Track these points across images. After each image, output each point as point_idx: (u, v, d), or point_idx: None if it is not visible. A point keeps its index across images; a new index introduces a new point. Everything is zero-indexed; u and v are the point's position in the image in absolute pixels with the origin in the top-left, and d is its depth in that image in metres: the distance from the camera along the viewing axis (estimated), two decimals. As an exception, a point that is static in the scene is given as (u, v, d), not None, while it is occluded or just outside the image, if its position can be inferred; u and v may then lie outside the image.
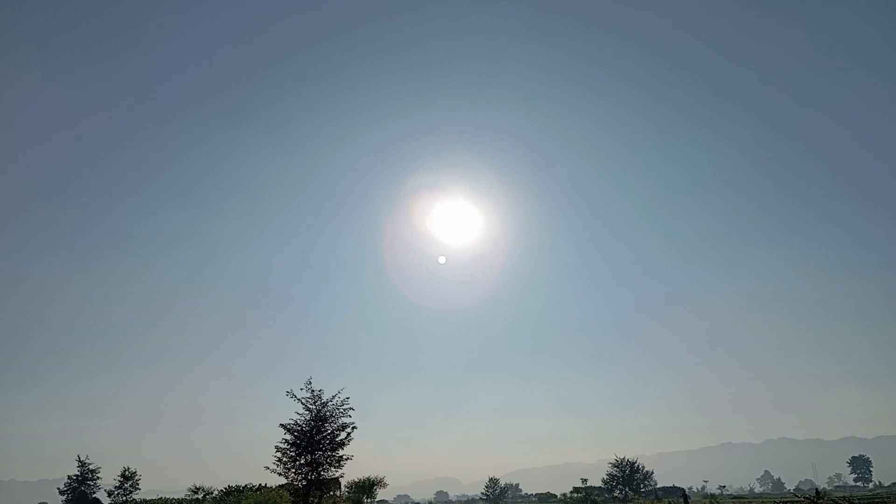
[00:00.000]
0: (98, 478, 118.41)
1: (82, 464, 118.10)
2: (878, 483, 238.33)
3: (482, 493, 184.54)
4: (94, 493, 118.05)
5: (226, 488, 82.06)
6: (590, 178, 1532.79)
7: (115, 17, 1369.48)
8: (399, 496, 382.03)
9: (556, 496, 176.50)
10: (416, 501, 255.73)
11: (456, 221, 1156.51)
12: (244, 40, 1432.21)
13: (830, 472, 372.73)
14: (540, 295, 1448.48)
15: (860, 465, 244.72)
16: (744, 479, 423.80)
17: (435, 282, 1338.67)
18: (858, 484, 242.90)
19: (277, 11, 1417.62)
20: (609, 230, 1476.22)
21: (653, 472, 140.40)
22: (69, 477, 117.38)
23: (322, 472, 55.52)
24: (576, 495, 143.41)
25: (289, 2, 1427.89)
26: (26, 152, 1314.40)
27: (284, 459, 54.98)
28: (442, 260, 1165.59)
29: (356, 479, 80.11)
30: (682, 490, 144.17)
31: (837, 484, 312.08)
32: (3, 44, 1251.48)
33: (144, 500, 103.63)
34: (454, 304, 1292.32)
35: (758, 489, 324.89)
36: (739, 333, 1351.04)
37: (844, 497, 49.77)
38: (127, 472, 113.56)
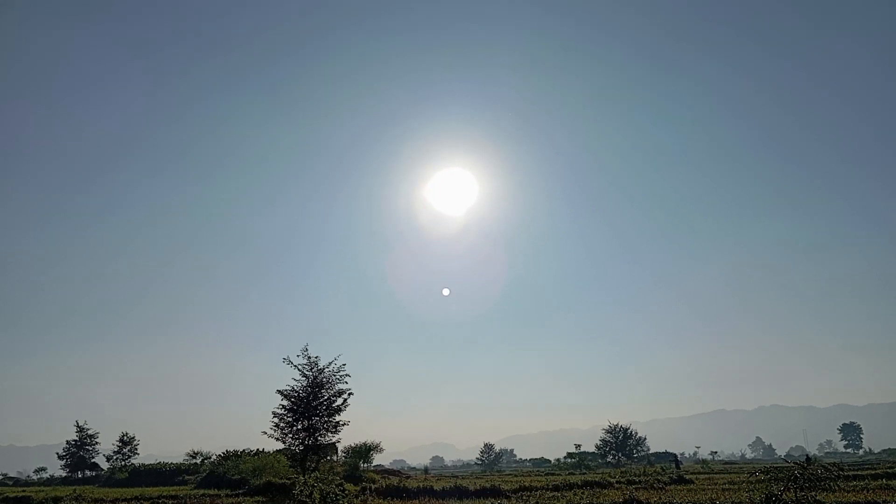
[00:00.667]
0: (97, 443, 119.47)
1: (81, 429, 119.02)
2: (868, 450, 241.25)
3: (477, 459, 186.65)
4: (93, 457, 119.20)
5: (223, 453, 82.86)
6: (587, 146, 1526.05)
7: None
8: (395, 461, 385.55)
9: (550, 461, 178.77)
10: (412, 466, 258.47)
11: (451, 189, 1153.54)
12: (240, 7, 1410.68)
13: (821, 438, 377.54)
14: (536, 263, 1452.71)
15: (851, 432, 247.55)
16: (736, 446, 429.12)
17: (431, 249, 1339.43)
18: (849, 451, 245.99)
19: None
20: (605, 200, 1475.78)
21: (645, 438, 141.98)
22: (68, 442, 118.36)
23: (319, 438, 55.96)
24: (569, 460, 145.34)
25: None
26: (14, 119, 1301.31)
27: (282, 425, 55.37)
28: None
29: (353, 445, 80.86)
30: (674, 455, 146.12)
31: (828, 450, 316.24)
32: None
33: (143, 464, 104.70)
34: (451, 271, 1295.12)
35: (749, 455, 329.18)
36: (733, 302, 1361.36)
37: (835, 463, 50.42)
38: (125, 438, 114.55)
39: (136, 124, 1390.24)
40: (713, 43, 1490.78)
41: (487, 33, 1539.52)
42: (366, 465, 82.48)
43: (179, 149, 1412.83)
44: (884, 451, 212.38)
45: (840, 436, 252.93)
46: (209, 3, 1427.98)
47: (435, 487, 47.94)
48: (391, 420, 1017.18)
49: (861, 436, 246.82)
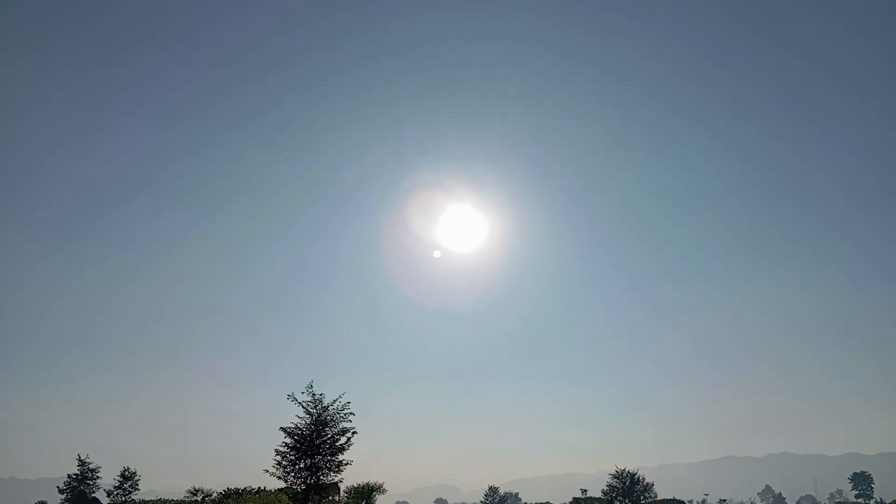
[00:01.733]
0: (98, 477, 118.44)
1: (82, 463, 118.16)
2: (879, 500, 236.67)
3: (481, 502, 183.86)
4: (94, 492, 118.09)
5: (225, 491, 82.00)
6: (595, 185, 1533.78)
7: (123, 19, 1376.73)
8: (398, 502, 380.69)
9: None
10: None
11: (458, 226, 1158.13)
12: (250, 46, 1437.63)
13: (832, 487, 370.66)
14: (542, 301, 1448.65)
15: (862, 481, 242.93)
16: (745, 493, 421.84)
17: (436, 286, 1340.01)
18: (860, 501, 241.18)
19: (284, 16, 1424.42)
20: (614, 239, 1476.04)
21: (653, 484, 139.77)
22: (69, 476, 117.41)
23: (321, 477, 55.50)
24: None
25: (295, 7, 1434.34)
26: (28, 153, 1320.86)
27: (284, 463, 55.00)
28: (437, 254, 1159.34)
29: (355, 485, 80.00)
30: (682, 502, 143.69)
31: (839, 500, 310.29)
32: (6, 43, 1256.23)
33: (143, 500, 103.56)
34: (456, 310, 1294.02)
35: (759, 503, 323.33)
36: (743, 347, 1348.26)
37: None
38: (126, 473, 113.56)
39: (145, 161, 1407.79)
40: (724, 86, 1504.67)
41: (497, 71, 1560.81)
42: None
43: (186, 185, 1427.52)
44: (895, 501, 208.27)
45: (851, 485, 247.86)
46: (222, 42, 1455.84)
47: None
48: (394, 460, 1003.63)
49: (872, 485, 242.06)
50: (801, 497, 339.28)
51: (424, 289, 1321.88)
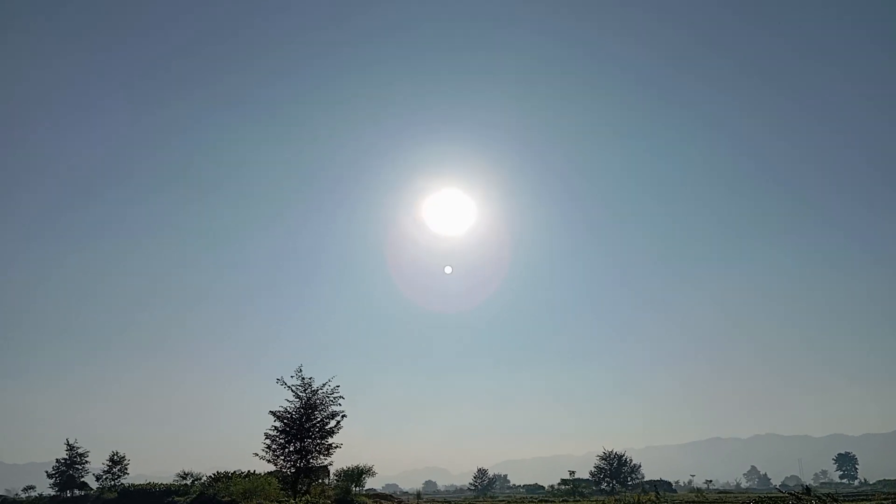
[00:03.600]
0: (86, 462, 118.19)
1: (71, 447, 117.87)
2: (863, 480, 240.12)
3: (470, 484, 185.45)
4: (83, 476, 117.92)
5: (214, 474, 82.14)
6: (584, 173, 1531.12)
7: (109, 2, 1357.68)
8: (388, 485, 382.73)
9: (544, 488, 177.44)
10: (405, 490, 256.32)
11: (449, 214, 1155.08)
12: (241, 26, 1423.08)
13: (816, 468, 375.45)
14: (531, 288, 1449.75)
15: (846, 462, 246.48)
16: (731, 474, 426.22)
17: (427, 274, 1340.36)
18: (844, 481, 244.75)
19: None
20: (602, 226, 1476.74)
21: (640, 466, 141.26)
22: (57, 460, 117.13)
23: (311, 460, 55.66)
24: (563, 487, 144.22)
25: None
26: (11, 137, 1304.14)
27: (274, 447, 55.08)
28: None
29: (345, 468, 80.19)
30: (669, 483, 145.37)
31: (823, 480, 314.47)
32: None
33: (133, 484, 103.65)
34: (446, 296, 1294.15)
35: (744, 484, 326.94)
36: (729, 330, 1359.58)
37: (829, 494, 50.12)
38: (115, 457, 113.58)
39: (135, 142, 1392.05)
40: (712, 73, 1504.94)
41: (489, 57, 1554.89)
42: (358, 488, 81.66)
43: (176, 168, 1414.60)
44: (879, 481, 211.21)
45: (835, 466, 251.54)
46: (213, 23, 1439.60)
47: (427, 512, 47.60)
48: (384, 443, 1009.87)
49: (856, 466, 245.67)
50: (787, 477, 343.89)
51: (413, 275, 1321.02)
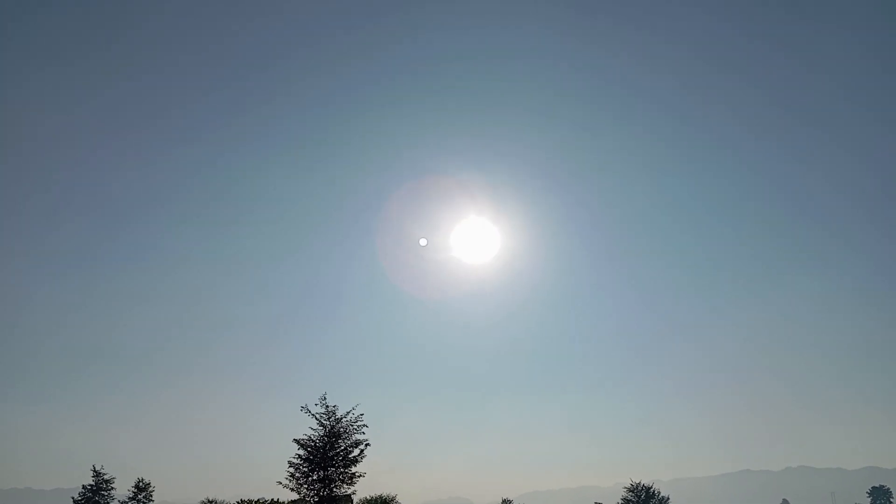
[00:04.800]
0: (112, 488, 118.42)
1: (97, 473, 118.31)
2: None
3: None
4: (109, 503, 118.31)
5: (238, 502, 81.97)
6: (610, 197, 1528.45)
7: (138, 33, 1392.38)
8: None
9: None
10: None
11: (476, 240, 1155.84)
12: (272, 61, 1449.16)
13: (850, 502, 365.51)
14: (556, 314, 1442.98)
15: (881, 495, 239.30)
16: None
17: (452, 301, 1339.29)
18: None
19: (299, 33, 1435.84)
20: (631, 253, 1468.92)
21: (668, 499, 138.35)
22: (84, 486, 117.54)
23: (334, 489, 55.36)
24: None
25: (309, 24, 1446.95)
26: (48, 167, 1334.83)
27: (297, 475, 54.95)
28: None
29: (368, 497, 79.70)
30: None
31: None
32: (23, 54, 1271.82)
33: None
34: (469, 321, 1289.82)
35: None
36: (760, 360, 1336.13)
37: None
38: (141, 483, 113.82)
39: (162, 177, 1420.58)
40: (738, 97, 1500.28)
41: (511, 88, 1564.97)
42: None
43: (204, 200, 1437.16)
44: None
45: (869, 499, 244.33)
46: (244, 59, 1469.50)
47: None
48: (407, 472, 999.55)
49: (891, 499, 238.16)
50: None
51: (438, 300, 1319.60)
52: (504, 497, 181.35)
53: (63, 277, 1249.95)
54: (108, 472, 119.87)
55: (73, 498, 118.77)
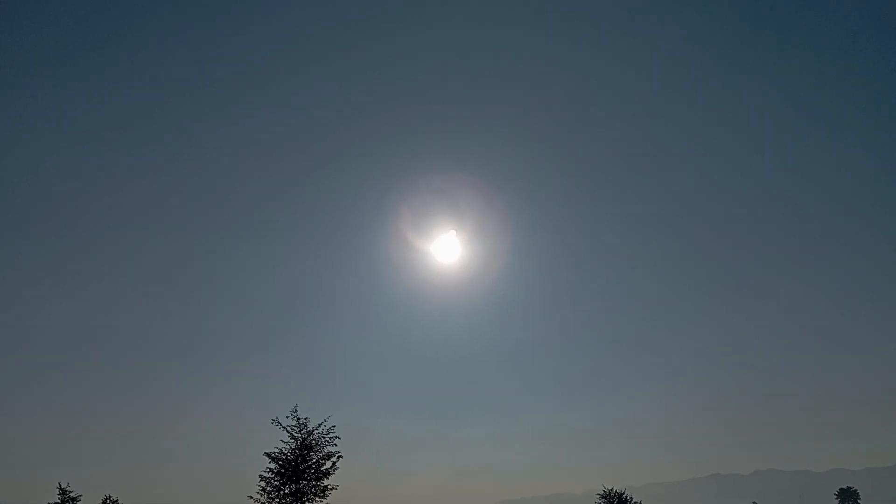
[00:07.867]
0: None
1: (63, 491, 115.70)
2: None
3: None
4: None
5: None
6: (588, 201, 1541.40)
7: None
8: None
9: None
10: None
11: (451, 246, 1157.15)
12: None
13: (818, 503, 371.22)
14: (529, 322, 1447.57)
15: (848, 497, 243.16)
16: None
17: (426, 311, 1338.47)
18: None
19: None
20: (599, 262, 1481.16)
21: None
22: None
23: (306, 502, 54.85)
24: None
25: (301, 31, 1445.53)
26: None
27: (269, 489, 54.35)
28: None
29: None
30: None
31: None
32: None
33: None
34: (440, 331, 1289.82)
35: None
36: (728, 365, 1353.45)
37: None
38: (108, 501, 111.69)
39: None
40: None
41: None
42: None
43: (183, 215, 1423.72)
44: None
45: (837, 501, 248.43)
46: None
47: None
48: (383, 485, 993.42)
49: (858, 501, 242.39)
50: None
51: (411, 312, 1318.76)
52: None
53: (30, 290, 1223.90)
54: (75, 490, 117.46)
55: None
